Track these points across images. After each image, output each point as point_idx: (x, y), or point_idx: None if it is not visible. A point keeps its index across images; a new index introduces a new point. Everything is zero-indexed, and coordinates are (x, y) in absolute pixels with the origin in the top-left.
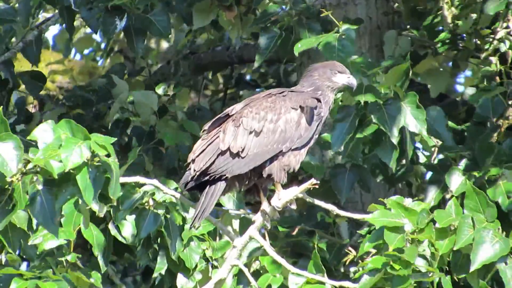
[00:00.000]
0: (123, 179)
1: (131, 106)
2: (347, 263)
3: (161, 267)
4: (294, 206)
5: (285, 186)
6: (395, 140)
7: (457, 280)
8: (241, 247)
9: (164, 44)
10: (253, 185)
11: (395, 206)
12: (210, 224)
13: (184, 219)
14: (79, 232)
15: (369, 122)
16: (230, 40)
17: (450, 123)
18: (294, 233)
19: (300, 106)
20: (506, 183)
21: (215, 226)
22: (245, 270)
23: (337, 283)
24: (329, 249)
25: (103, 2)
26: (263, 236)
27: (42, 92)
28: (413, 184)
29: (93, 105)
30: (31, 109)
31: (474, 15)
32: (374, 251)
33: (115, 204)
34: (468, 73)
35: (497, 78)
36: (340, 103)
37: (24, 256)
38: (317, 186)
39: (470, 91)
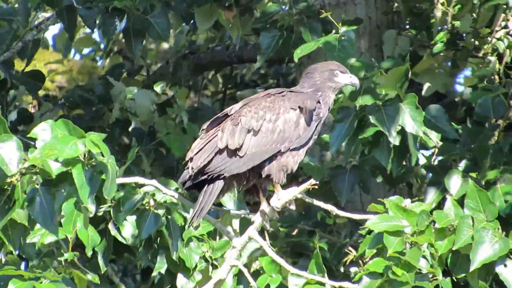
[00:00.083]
0: (122, 180)
1: (131, 104)
2: (347, 263)
3: (160, 266)
4: (293, 207)
5: (284, 187)
6: (393, 140)
7: (455, 280)
8: (240, 247)
9: (164, 44)
10: (252, 186)
11: (394, 208)
12: (210, 224)
13: (185, 219)
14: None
15: (369, 124)
16: (231, 39)
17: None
18: (294, 233)
19: (299, 107)
20: (504, 186)
21: (215, 227)
22: (245, 270)
23: (336, 284)
24: (329, 249)
25: (103, 3)
26: (263, 236)
27: (41, 92)
28: (414, 185)
29: (92, 105)
30: (31, 109)
31: (472, 15)
32: (374, 251)
33: (112, 204)
34: (467, 73)
35: (497, 78)
36: (340, 103)
37: (23, 256)
38: (316, 187)
39: (469, 91)
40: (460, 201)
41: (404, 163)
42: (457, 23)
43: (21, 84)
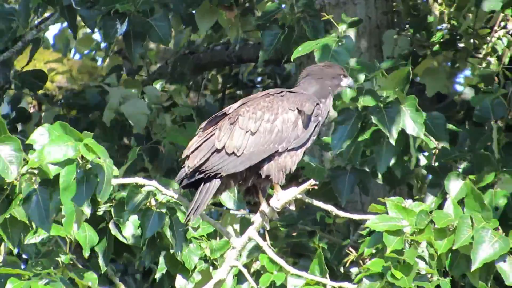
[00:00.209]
0: (122, 180)
1: (124, 110)
2: (347, 263)
3: (162, 267)
4: (293, 207)
5: (284, 187)
6: (393, 141)
7: (454, 279)
8: (240, 247)
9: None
10: (252, 186)
11: (394, 207)
12: (210, 225)
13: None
14: None
15: (370, 125)
16: (230, 39)
17: (450, 126)
18: (295, 233)
19: (298, 108)
20: (500, 192)
21: (215, 227)
22: (244, 270)
23: (336, 284)
24: (329, 249)
25: (105, 6)
26: (263, 236)
27: (41, 91)
28: (414, 186)
29: (89, 112)
30: (30, 109)
31: (470, 15)
32: (373, 251)
33: (113, 203)
34: (467, 73)
35: (496, 78)
36: (341, 104)
37: (22, 255)
38: (316, 187)
39: (469, 91)
40: (460, 203)
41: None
42: (454, 22)
43: (22, 84)
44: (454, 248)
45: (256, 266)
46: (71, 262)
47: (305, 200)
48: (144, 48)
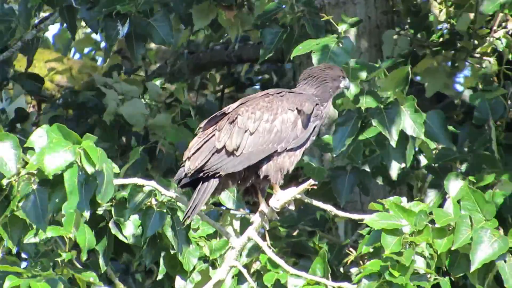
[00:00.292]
0: (121, 181)
1: (123, 111)
2: (347, 263)
3: (164, 268)
4: (292, 207)
5: (284, 187)
6: (394, 143)
7: (454, 279)
8: (239, 248)
9: None
10: (251, 186)
11: (394, 207)
12: (210, 226)
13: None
14: None
15: (370, 125)
16: (230, 39)
17: (449, 127)
18: (295, 233)
19: (297, 107)
20: (498, 193)
21: (214, 228)
22: (244, 271)
23: (336, 284)
24: (329, 249)
25: (105, 7)
26: (264, 237)
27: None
28: (414, 186)
29: (87, 115)
30: (29, 108)
31: (471, 15)
32: (371, 250)
33: (113, 203)
34: (467, 72)
35: (495, 78)
36: (342, 105)
37: (22, 254)
38: (315, 187)
39: (468, 92)
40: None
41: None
42: (454, 21)
43: (21, 84)
44: (453, 248)
45: (256, 266)
46: (72, 260)
47: (304, 200)
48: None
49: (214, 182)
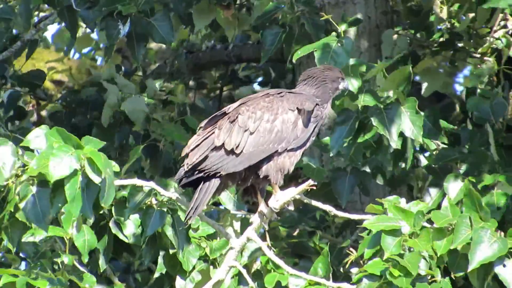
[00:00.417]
0: (121, 182)
1: (124, 107)
2: (348, 264)
3: (162, 267)
4: (291, 207)
5: (283, 187)
6: (394, 144)
7: (454, 278)
8: (239, 248)
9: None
10: (250, 186)
11: (392, 208)
12: (210, 226)
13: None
14: None
15: (371, 126)
16: (228, 38)
17: (446, 125)
18: (295, 233)
19: (298, 108)
20: (499, 192)
21: (214, 228)
22: (243, 271)
23: (335, 285)
24: (330, 250)
25: (106, 6)
26: (264, 237)
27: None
28: (414, 186)
29: (87, 110)
30: (28, 107)
31: (471, 14)
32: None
33: (113, 203)
34: (467, 72)
35: (495, 78)
36: (341, 105)
37: (20, 254)
38: (314, 187)
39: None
40: (459, 204)
41: (403, 165)
42: (455, 21)
43: (20, 84)
44: (452, 247)
45: (256, 266)
46: (73, 261)
47: (304, 201)
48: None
49: (215, 182)
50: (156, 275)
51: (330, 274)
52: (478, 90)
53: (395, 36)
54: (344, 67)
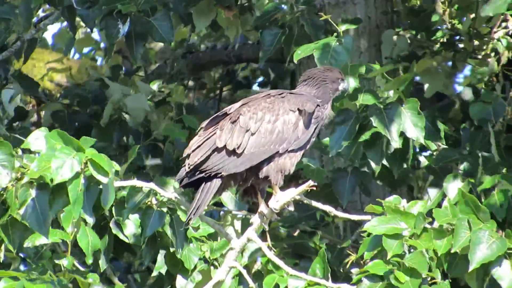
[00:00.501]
0: (120, 183)
1: (126, 103)
2: (348, 264)
3: (160, 266)
4: (291, 208)
5: (284, 188)
6: (395, 144)
7: (454, 280)
8: (239, 248)
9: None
10: (250, 187)
11: (391, 211)
12: (210, 226)
13: None
14: None
15: (370, 126)
16: (228, 39)
17: (443, 127)
18: (296, 233)
19: (299, 109)
20: (499, 193)
21: (214, 228)
22: (244, 271)
23: (335, 285)
24: (330, 250)
25: (106, 5)
26: (264, 237)
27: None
28: (414, 187)
29: (88, 105)
30: (28, 107)
31: (472, 15)
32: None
33: (113, 203)
34: (467, 72)
35: (494, 79)
36: (342, 105)
37: (21, 256)
38: (314, 188)
39: (468, 91)
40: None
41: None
42: (455, 22)
43: (19, 84)
44: (452, 251)
45: (257, 266)
46: (74, 268)
47: (304, 201)
48: (145, 47)
49: (216, 182)
50: (155, 273)
51: (329, 275)
52: (481, 91)
53: (395, 37)
54: (344, 65)
